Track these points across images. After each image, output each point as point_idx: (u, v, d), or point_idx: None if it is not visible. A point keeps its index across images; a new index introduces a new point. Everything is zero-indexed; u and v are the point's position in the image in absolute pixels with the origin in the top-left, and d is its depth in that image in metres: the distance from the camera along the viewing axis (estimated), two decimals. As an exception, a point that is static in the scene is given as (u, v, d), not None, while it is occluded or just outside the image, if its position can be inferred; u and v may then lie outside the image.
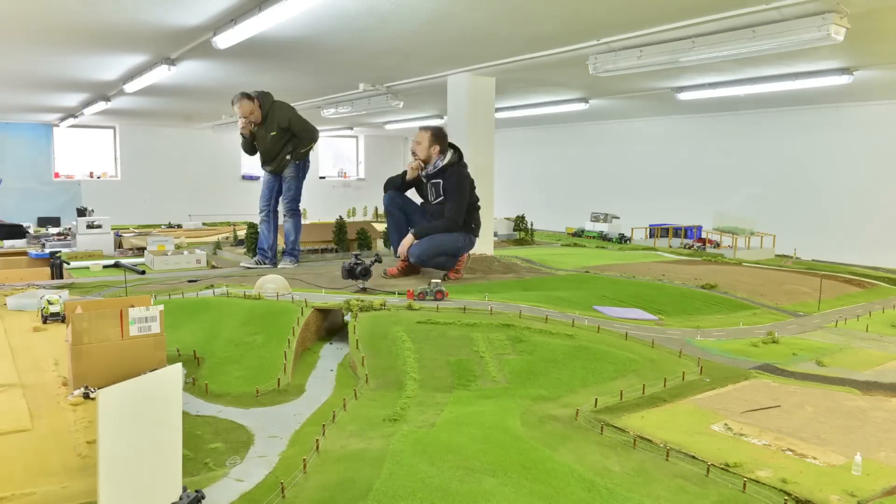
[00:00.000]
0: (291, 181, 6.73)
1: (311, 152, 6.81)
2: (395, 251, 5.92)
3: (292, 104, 6.55)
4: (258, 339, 3.73)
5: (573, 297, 4.88)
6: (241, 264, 6.90)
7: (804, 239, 8.86)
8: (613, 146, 13.60)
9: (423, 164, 5.79)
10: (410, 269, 5.77)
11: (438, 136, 5.76)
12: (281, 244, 7.01)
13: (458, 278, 5.72)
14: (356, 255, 5.22)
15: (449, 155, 5.75)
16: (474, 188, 5.89)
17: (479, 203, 5.93)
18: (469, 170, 5.85)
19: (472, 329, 3.76)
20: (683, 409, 2.90)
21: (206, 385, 3.17)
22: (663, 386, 3.16)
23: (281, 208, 6.88)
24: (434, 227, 5.64)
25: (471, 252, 6.07)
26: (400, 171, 6.06)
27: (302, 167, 6.77)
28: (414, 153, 5.81)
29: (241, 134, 6.71)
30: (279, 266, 6.70)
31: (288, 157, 6.64)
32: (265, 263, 6.73)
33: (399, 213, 6.04)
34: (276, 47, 6.43)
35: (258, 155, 6.81)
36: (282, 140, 6.57)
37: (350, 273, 5.12)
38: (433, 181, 5.77)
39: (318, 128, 6.94)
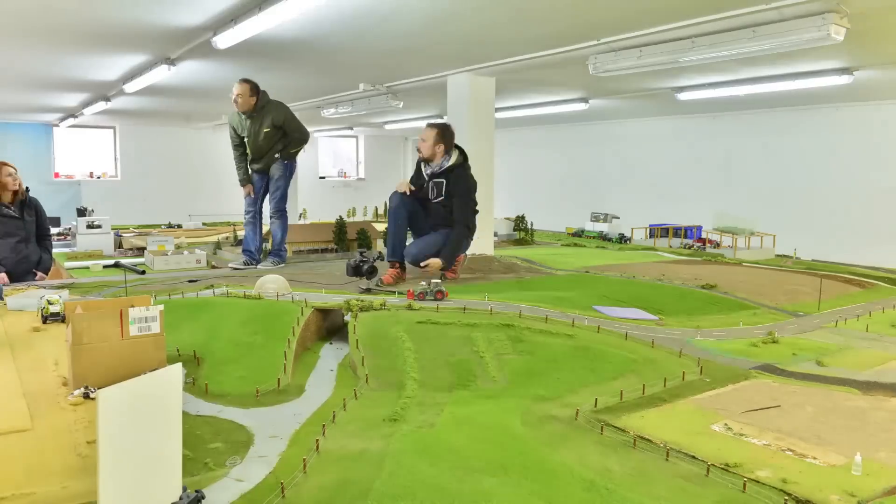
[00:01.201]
0: (279, 180, 6.72)
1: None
2: (390, 255, 5.79)
3: (293, 104, 6.59)
4: (258, 339, 3.73)
5: (573, 297, 4.88)
6: (230, 265, 6.87)
7: (804, 239, 8.85)
8: (613, 146, 13.60)
9: (426, 162, 5.73)
10: (401, 277, 5.70)
11: (445, 134, 5.66)
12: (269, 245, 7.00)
13: (455, 278, 5.70)
14: (361, 253, 5.19)
15: (454, 156, 5.68)
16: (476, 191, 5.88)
17: (477, 207, 5.91)
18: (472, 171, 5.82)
19: (472, 329, 3.75)
20: (683, 409, 2.89)
21: (206, 385, 3.17)
22: (663, 386, 3.15)
23: (267, 209, 6.85)
24: (453, 243, 5.57)
25: (467, 253, 6.05)
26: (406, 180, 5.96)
27: (289, 168, 6.77)
28: (419, 149, 5.76)
29: (231, 126, 6.70)
30: (260, 266, 6.66)
31: (277, 155, 6.63)
32: (252, 265, 6.71)
33: (403, 222, 5.83)
34: (276, 47, 6.43)
35: (238, 156, 6.80)
36: (273, 138, 6.57)
37: (356, 270, 5.09)
38: (436, 180, 5.71)
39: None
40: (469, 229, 5.66)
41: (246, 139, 6.67)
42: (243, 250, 6.90)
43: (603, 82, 8.38)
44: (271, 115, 6.49)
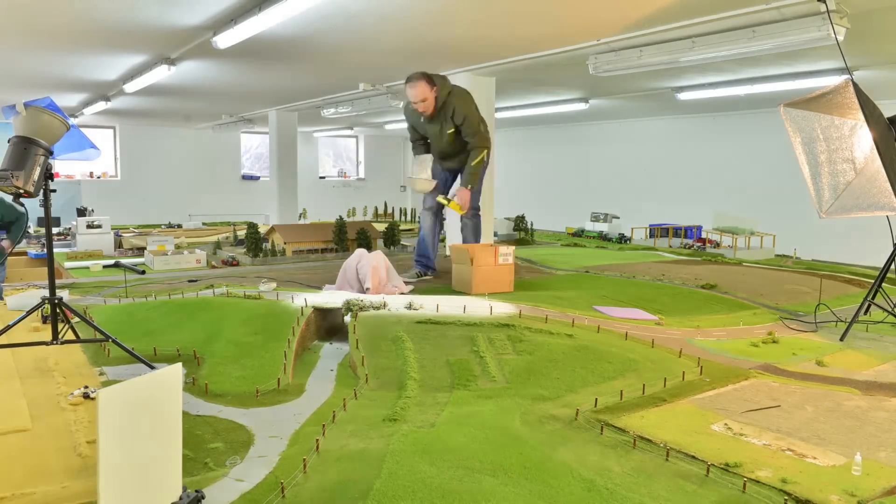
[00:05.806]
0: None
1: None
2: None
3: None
4: (258, 339, 3.73)
5: (573, 297, 4.88)
6: (404, 278, 5.50)
7: (804, 239, 8.85)
8: (613, 146, 13.60)
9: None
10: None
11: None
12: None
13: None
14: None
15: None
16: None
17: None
18: None
19: (472, 329, 3.75)
20: (683, 409, 2.89)
21: (206, 385, 3.17)
22: (663, 386, 3.15)
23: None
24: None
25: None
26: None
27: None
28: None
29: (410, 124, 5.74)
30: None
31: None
32: (427, 275, 5.81)
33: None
34: (276, 47, 6.42)
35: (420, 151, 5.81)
36: (460, 140, 5.48)
37: None
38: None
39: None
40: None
41: (430, 140, 5.68)
42: (417, 257, 5.88)
43: (603, 82, 8.38)
44: (452, 111, 5.33)
